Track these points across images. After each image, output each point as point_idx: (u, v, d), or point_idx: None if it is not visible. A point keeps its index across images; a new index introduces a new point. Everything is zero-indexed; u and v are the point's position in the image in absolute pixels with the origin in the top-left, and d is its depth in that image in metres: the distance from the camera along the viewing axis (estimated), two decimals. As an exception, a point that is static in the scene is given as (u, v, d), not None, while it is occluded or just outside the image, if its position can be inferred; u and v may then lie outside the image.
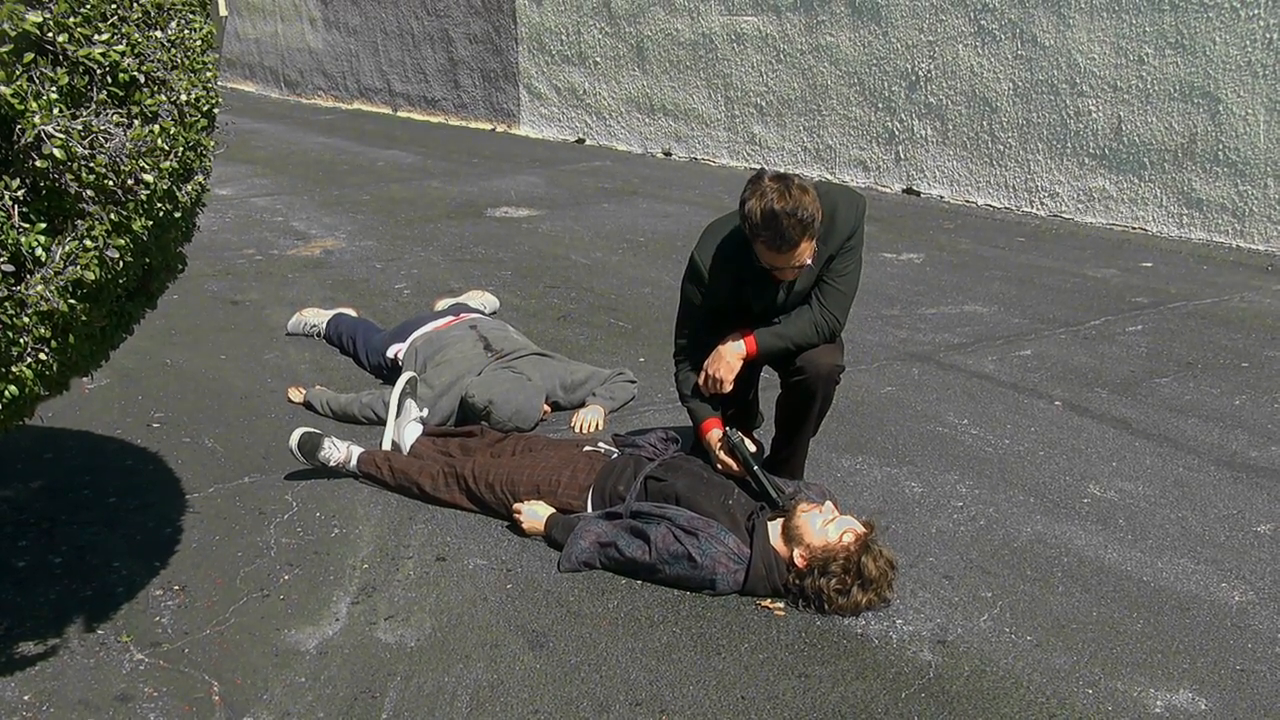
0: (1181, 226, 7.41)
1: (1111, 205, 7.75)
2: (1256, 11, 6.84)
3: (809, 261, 3.38)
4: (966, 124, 8.47)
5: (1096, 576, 3.33)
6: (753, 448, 3.57)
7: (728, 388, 3.57)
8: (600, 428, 4.40)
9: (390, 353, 4.83)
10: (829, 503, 3.35)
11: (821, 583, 3.11)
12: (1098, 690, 2.80)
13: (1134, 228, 7.63)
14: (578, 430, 4.38)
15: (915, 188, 8.92)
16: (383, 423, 4.19)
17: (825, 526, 3.21)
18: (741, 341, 3.55)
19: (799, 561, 3.18)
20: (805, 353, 3.57)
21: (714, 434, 3.61)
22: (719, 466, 3.58)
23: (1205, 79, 7.11)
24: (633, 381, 4.72)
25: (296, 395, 4.69)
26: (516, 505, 3.57)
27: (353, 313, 5.49)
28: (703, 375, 3.60)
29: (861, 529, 3.21)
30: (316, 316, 5.53)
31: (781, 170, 3.35)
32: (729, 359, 3.55)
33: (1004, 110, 8.22)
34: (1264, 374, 4.97)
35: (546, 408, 4.48)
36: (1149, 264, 6.83)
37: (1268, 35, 6.81)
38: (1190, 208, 7.35)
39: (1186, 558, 3.44)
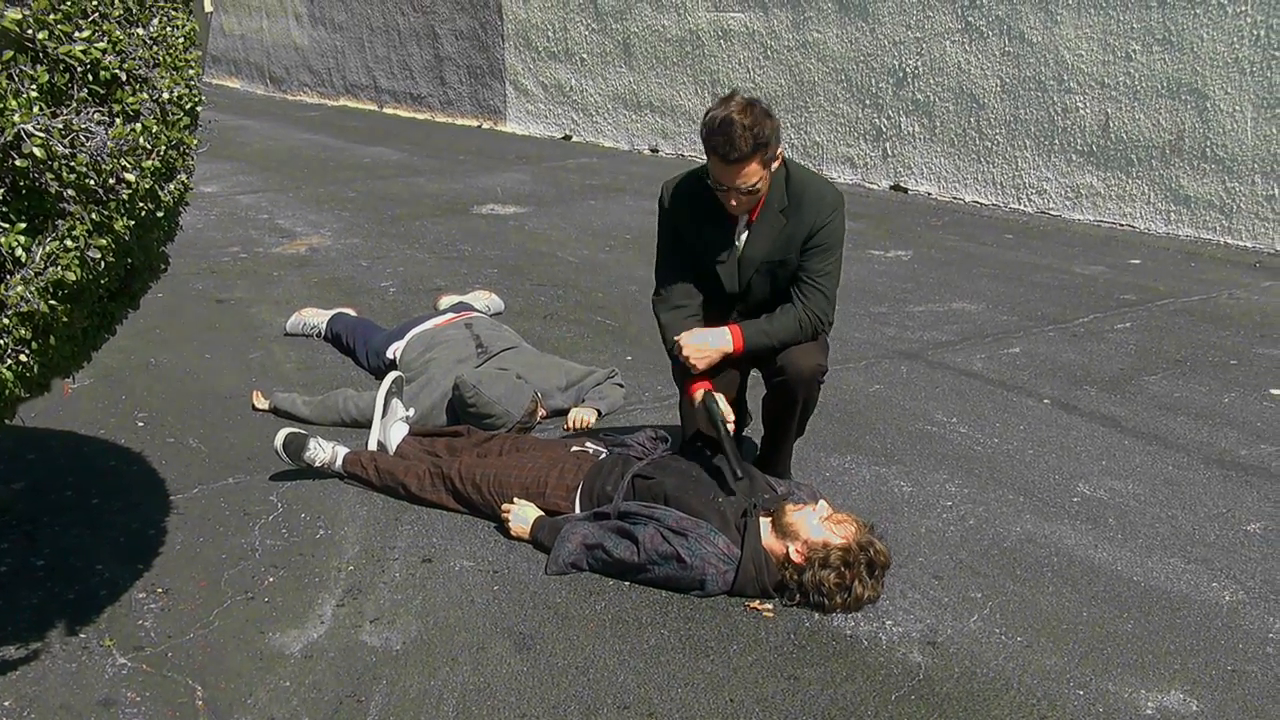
0: (1169, 223, 7.42)
1: (1099, 202, 7.75)
2: (1244, 8, 6.84)
3: (759, 187, 3.39)
4: (954, 121, 8.47)
5: (1086, 576, 3.32)
6: (730, 416, 3.54)
7: (697, 368, 3.53)
8: (590, 424, 4.36)
9: (389, 353, 4.78)
10: (823, 502, 3.34)
11: (822, 575, 3.09)
12: (1089, 691, 2.79)
13: (1122, 224, 7.64)
14: (571, 425, 4.34)
15: (903, 184, 8.91)
16: (360, 425, 4.15)
17: (823, 524, 3.20)
18: (728, 333, 3.52)
19: (796, 556, 3.16)
20: (786, 352, 3.54)
21: (697, 395, 3.59)
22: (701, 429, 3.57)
23: (1193, 75, 7.12)
24: (621, 385, 4.67)
25: (261, 402, 4.56)
26: (505, 505, 3.54)
27: (352, 312, 5.43)
28: (677, 347, 3.57)
29: (859, 524, 3.22)
30: (316, 317, 5.44)
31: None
32: (708, 350, 3.51)
33: (991, 107, 8.22)
34: (1253, 371, 4.97)
35: (543, 410, 4.39)
36: (1137, 261, 6.83)
37: (1255, 31, 6.82)
38: (1178, 204, 7.35)
39: (1177, 557, 3.43)
